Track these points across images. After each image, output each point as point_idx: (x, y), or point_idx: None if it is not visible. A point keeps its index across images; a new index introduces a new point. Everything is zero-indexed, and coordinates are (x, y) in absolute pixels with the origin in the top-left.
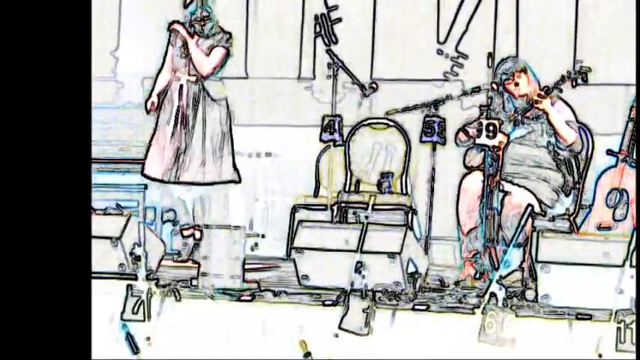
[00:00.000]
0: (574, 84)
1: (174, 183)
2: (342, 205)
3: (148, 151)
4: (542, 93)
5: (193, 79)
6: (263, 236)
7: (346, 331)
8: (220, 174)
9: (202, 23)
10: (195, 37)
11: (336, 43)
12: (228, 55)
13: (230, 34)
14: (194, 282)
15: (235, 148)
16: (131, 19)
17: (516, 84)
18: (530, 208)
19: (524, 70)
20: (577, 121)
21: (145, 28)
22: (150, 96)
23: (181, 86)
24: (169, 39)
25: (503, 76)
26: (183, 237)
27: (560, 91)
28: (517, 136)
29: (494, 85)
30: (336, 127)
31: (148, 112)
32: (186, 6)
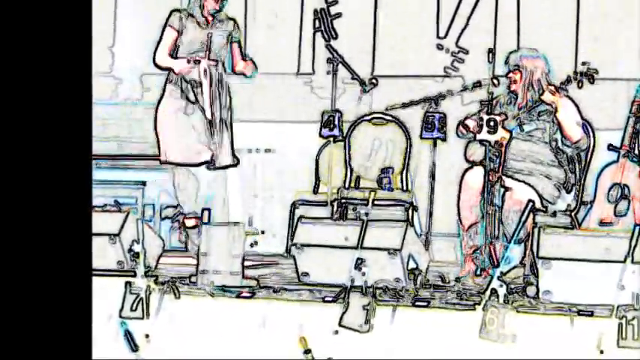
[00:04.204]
0: (580, 85)
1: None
2: (342, 201)
3: (157, 138)
4: (554, 88)
5: (214, 63)
6: (262, 232)
7: (346, 328)
8: (220, 160)
9: (221, 1)
10: (219, 26)
11: (335, 38)
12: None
13: (235, 20)
14: (193, 279)
15: (235, 144)
16: (128, 14)
17: (514, 81)
18: (531, 203)
19: (517, 68)
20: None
21: (142, 23)
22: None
23: (205, 70)
24: (167, 22)
25: (506, 67)
26: (186, 227)
27: (566, 91)
28: (521, 132)
29: (495, 80)
30: (336, 122)
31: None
32: None
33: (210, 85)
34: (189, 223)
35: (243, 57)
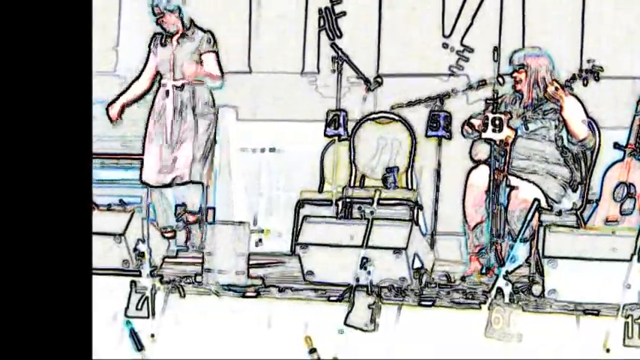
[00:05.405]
0: (585, 83)
1: (166, 186)
2: (347, 200)
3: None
4: (559, 86)
5: (179, 84)
6: (267, 231)
7: (352, 327)
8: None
9: (158, 21)
10: (183, 43)
11: (340, 37)
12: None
13: (212, 33)
14: (198, 278)
15: (239, 144)
16: (132, 14)
17: (519, 80)
18: (536, 202)
19: (522, 67)
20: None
21: (146, 23)
22: (112, 102)
23: (167, 92)
24: (150, 46)
25: (509, 67)
26: (187, 223)
27: (571, 89)
28: (526, 131)
29: (500, 79)
30: (341, 121)
31: (111, 121)
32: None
33: (174, 106)
34: (190, 218)
35: (221, 68)
